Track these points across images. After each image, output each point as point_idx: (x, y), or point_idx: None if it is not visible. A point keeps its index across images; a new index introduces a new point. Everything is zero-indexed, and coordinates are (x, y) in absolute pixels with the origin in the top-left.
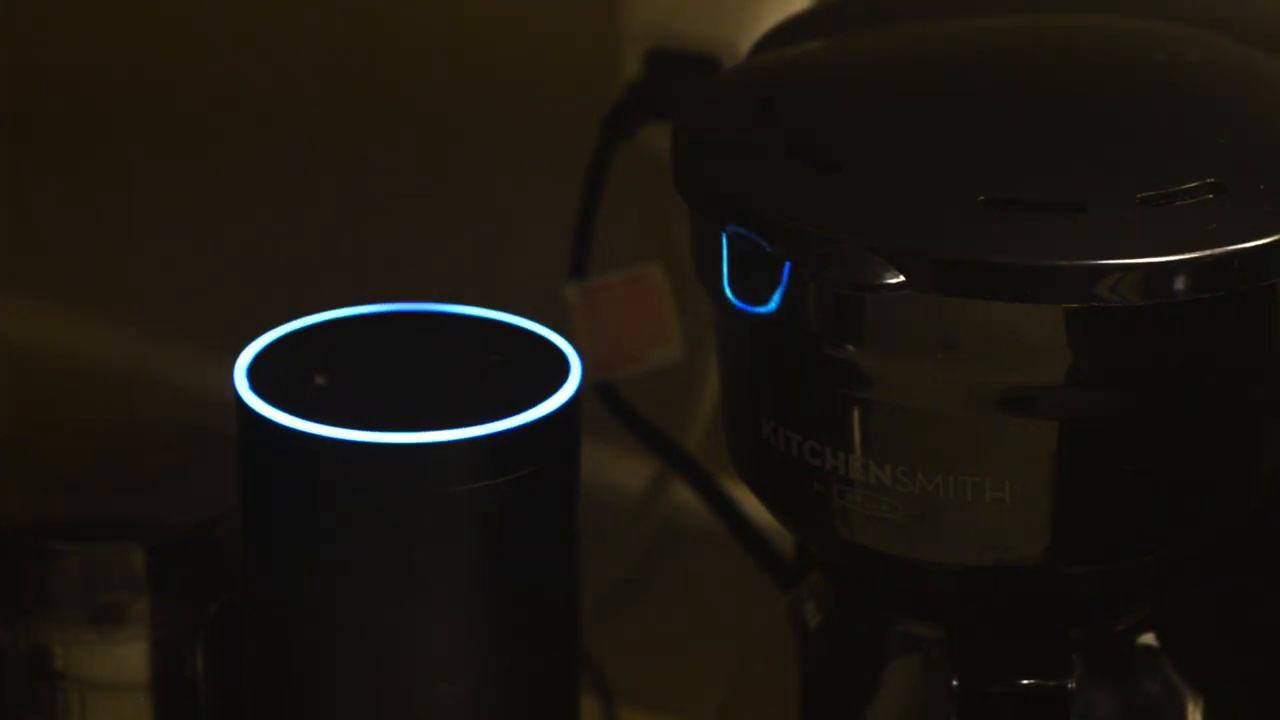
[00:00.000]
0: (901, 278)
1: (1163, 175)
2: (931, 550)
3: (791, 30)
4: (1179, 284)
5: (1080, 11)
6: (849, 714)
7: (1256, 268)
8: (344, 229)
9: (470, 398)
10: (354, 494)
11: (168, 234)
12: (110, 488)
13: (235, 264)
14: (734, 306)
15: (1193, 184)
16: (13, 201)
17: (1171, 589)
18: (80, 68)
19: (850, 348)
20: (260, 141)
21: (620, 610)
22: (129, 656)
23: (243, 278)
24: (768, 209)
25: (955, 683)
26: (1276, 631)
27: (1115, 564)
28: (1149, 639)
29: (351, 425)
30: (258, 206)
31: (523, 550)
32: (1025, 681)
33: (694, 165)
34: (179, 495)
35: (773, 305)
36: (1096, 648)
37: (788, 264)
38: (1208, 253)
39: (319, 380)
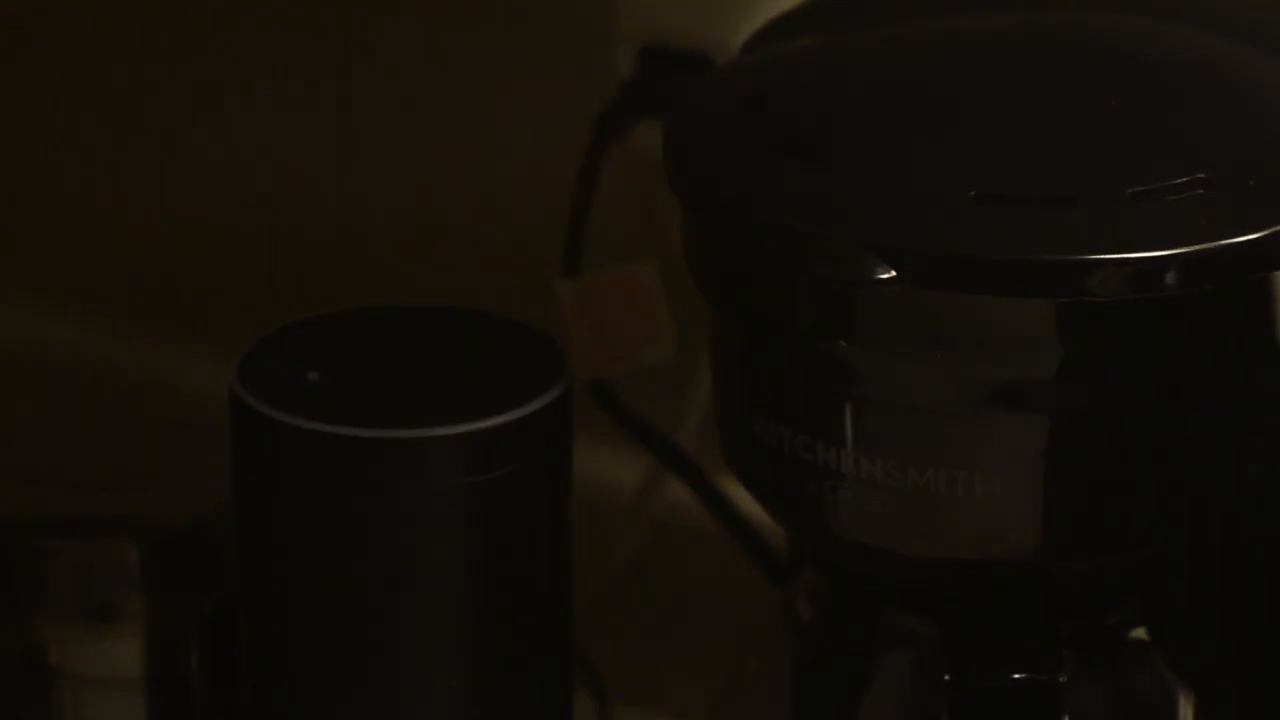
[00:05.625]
0: (892, 273)
1: (1153, 170)
2: (923, 545)
3: (783, 27)
4: (1169, 278)
5: (1070, 8)
6: (842, 709)
7: (1246, 262)
8: (339, 227)
9: (463, 394)
10: (347, 490)
11: (163, 230)
12: (104, 484)
13: (231, 261)
14: (726, 303)
15: (1183, 179)
16: (9, 200)
17: (1163, 583)
18: (78, 67)
19: (841, 343)
20: (258, 139)
21: (613, 606)
22: (124, 653)
23: (238, 275)
24: (759, 205)
25: (947, 677)
26: (1266, 626)
27: (1106, 558)
28: (1141, 633)
29: (345, 422)
30: (255, 204)
31: (515, 546)
32: (1017, 675)
33: (686, 162)
34: (173, 492)
35: (764, 301)
36: (1088, 642)
37: (779, 260)
38: (1198, 247)
39: (313, 377)
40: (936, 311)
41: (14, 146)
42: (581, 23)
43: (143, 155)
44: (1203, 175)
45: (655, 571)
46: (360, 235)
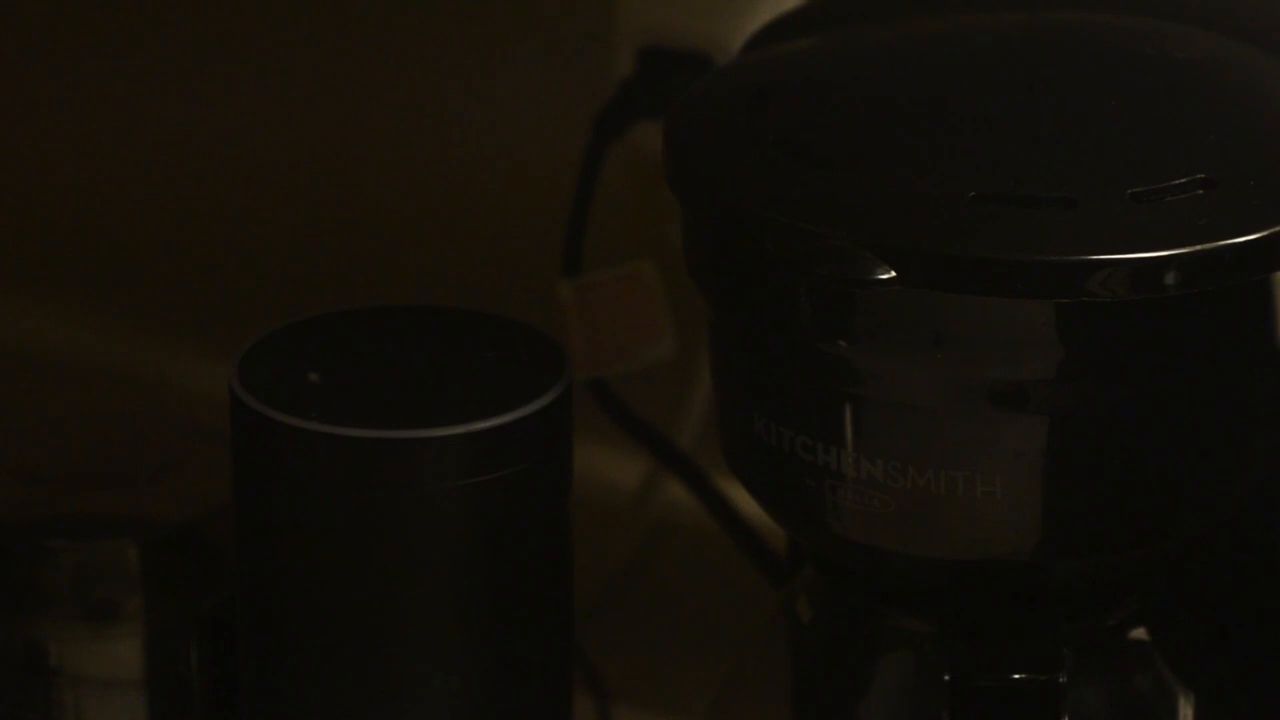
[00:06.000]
0: (892, 273)
1: (1153, 171)
2: (923, 545)
3: (783, 27)
4: (1169, 279)
5: (1071, 8)
6: (842, 709)
7: (1246, 262)
8: (338, 227)
9: (463, 394)
10: (347, 490)
11: (164, 230)
12: (104, 484)
13: (230, 261)
14: (725, 303)
15: (1183, 180)
16: (9, 200)
17: (1162, 584)
18: (78, 65)
19: (841, 343)
20: (258, 140)
21: (613, 607)
22: (123, 653)
23: (237, 275)
24: (759, 205)
25: (947, 677)
26: (1266, 626)
27: (1105, 558)
28: (1140, 633)
29: (345, 422)
30: (252, 203)
31: (515, 546)
32: (1017, 676)
33: (686, 162)
34: (173, 492)
35: (764, 301)
36: (1088, 642)
37: (779, 260)
38: (1198, 248)
39: (312, 377)
40: (936, 311)
41: (14, 145)
42: (581, 23)
43: (143, 155)
44: (1203, 175)
45: (655, 571)
46: (360, 235)
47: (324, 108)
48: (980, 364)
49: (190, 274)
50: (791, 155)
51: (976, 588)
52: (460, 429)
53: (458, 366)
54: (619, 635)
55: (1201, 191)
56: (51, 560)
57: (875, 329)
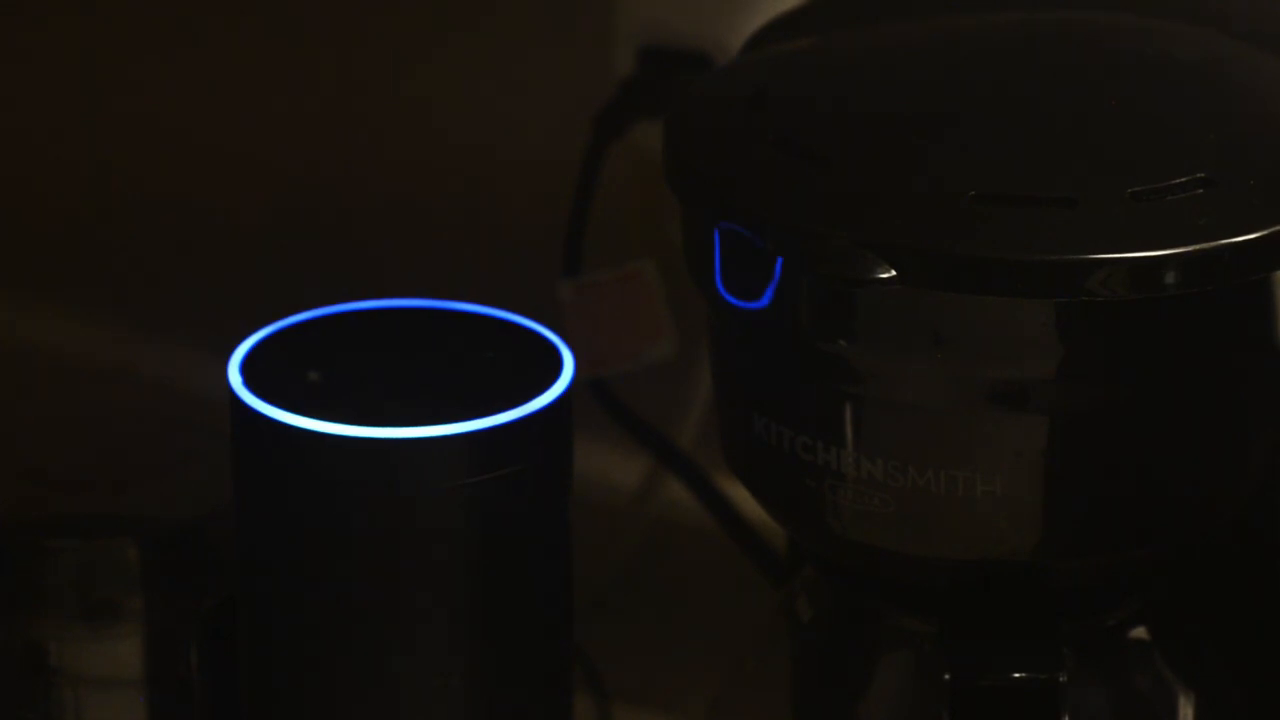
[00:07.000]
0: (892, 272)
1: (1153, 170)
2: (923, 545)
3: (782, 27)
4: (1169, 278)
5: (1071, 8)
6: (842, 709)
7: (1246, 262)
8: (338, 226)
9: (463, 394)
10: (347, 489)
11: (164, 229)
12: (104, 484)
13: (229, 260)
14: (726, 302)
15: (1183, 179)
16: (9, 199)
17: (1162, 584)
18: (79, 63)
19: (841, 343)
20: (259, 139)
21: (613, 606)
22: (123, 652)
23: (236, 274)
24: (759, 204)
25: (947, 677)
26: (1266, 625)
27: (1105, 558)
28: (1141, 633)
29: (345, 421)
30: (252, 202)
31: (515, 546)
32: (1017, 675)
33: (686, 161)
34: (173, 491)
35: (764, 301)
36: (1088, 642)
37: (779, 259)
38: (1198, 247)
39: (313, 376)
40: (936, 311)
41: (13, 145)
42: (581, 23)
43: (143, 154)
44: (1203, 175)
45: (655, 571)
46: (361, 235)
47: (324, 107)
48: (980, 364)
49: (190, 273)
50: (791, 155)
51: (976, 588)
52: (460, 429)
53: (458, 366)
54: (619, 635)
55: (1201, 190)
56: (51, 560)
57: (875, 329)
